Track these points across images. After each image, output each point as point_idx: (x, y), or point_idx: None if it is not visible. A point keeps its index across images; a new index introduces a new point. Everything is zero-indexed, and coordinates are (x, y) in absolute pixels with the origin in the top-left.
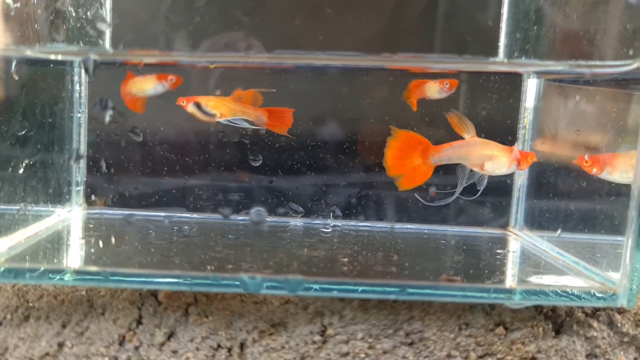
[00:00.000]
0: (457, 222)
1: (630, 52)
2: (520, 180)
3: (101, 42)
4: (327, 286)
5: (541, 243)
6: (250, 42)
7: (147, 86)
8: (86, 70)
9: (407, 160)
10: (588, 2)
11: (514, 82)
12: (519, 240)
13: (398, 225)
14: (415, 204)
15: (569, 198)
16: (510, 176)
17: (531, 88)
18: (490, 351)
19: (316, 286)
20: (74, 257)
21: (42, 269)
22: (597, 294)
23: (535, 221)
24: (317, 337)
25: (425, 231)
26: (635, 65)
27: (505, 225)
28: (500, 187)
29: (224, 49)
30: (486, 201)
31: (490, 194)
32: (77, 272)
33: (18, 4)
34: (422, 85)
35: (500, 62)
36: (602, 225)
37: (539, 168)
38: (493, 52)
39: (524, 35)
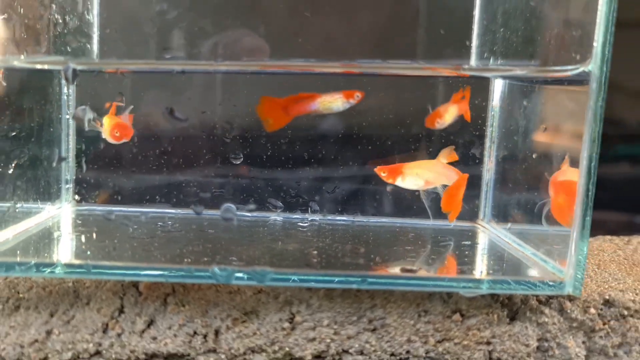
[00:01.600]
0: (429, 216)
1: (578, 57)
2: (488, 175)
3: (89, 47)
4: (294, 277)
5: (505, 235)
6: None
7: (335, 104)
8: (67, 80)
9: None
10: (544, 8)
11: (482, 82)
12: (487, 232)
13: (373, 219)
14: (388, 198)
15: (530, 192)
16: (480, 170)
17: (497, 88)
18: (448, 337)
19: (283, 277)
20: (61, 251)
21: (32, 262)
22: (549, 283)
23: (501, 214)
24: (286, 324)
25: (398, 224)
26: (581, 69)
27: (474, 218)
28: (472, 181)
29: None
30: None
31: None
32: (64, 266)
33: (5, 15)
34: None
35: (463, 67)
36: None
37: (505, 163)
38: (466, 53)
39: (492, 38)
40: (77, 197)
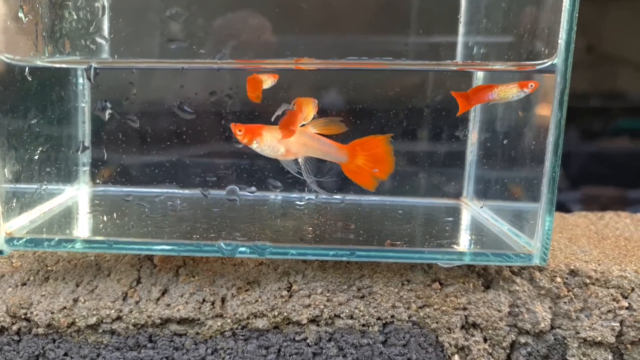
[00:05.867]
0: (417, 194)
1: (546, 51)
2: (471, 156)
3: (104, 45)
4: (291, 251)
5: (485, 212)
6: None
7: (511, 93)
8: (88, 78)
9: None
10: (520, 2)
11: (467, 72)
12: (469, 209)
13: (365, 197)
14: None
15: (507, 170)
16: (464, 148)
17: (479, 78)
18: (428, 303)
19: (281, 250)
20: (83, 228)
21: (57, 238)
22: (520, 255)
23: (481, 192)
24: (285, 292)
25: (387, 202)
26: (550, 63)
27: (458, 196)
28: (456, 159)
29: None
30: (443, 173)
31: (447, 166)
32: (87, 241)
33: (30, 16)
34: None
35: (445, 63)
36: (532, 194)
37: (486, 145)
38: (452, 48)
39: (477, 28)
40: (98, 180)
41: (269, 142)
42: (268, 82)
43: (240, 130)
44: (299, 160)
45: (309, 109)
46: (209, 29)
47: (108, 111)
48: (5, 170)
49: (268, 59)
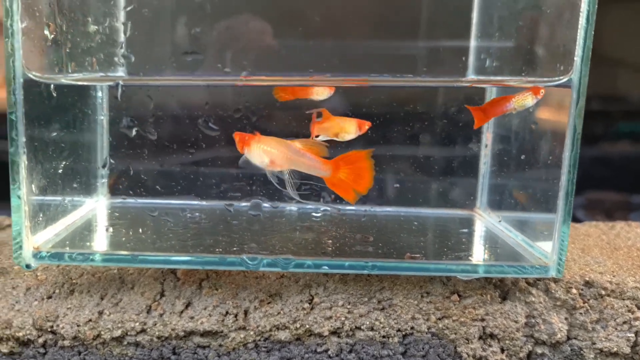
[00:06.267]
0: (430, 205)
1: (562, 68)
2: (485, 168)
3: (127, 62)
4: (313, 263)
5: (499, 223)
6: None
7: (527, 101)
8: (115, 97)
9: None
10: (534, 18)
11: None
12: (483, 220)
13: (378, 208)
14: (394, 188)
15: (521, 181)
16: (477, 160)
17: (492, 91)
18: (447, 314)
19: (303, 263)
20: (107, 242)
21: (84, 252)
22: (536, 267)
23: (496, 203)
24: (306, 305)
25: (402, 213)
26: (565, 79)
27: (472, 207)
28: (470, 171)
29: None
30: (457, 184)
31: (461, 177)
32: (113, 255)
33: (54, 34)
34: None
35: (461, 80)
36: (547, 205)
37: (499, 158)
38: (464, 54)
39: (489, 41)
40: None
41: (255, 152)
42: (324, 93)
43: (237, 138)
44: (284, 171)
45: (347, 126)
46: (231, 43)
47: (135, 129)
48: (33, 185)
49: (288, 76)
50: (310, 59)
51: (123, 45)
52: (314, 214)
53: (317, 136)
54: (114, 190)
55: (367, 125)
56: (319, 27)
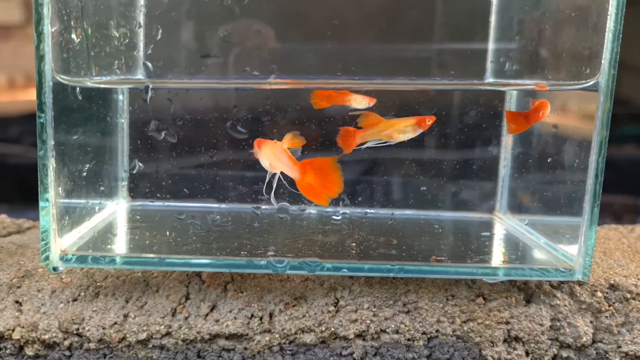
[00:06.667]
0: (449, 208)
1: (587, 71)
2: (504, 171)
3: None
4: (339, 266)
5: (520, 226)
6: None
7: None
8: (144, 100)
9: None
10: (558, 21)
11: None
12: (503, 224)
13: (397, 212)
14: (413, 191)
15: (542, 184)
16: (497, 163)
17: (512, 95)
18: (472, 317)
19: (330, 266)
20: (132, 245)
21: (109, 255)
22: (561, 270)
23: (516, 206)
24: (332, 308)
25: (422, 216)
26: (591, 82)
27: (492, 210)
28: (489, 174)
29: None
30: (476, 187)
31: (480, 181)
32: (137, 258)
33: (80, 37)
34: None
35: (481, 82)
36: (570, 208)
37: (519, 160)
38: (483, 58)
39: (508, 45)
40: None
41: (261, 156)
42: (363, 102)
43: (255, 142)
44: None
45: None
46: (261, 48)
47: (164, 132)
48: (60, 188)
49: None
50: (327, 63)
51: (149, 47)
52: (334, 217)
53: (362, 144)
54: (136, 193)
55: (429, 120)
56: (336, 32)
